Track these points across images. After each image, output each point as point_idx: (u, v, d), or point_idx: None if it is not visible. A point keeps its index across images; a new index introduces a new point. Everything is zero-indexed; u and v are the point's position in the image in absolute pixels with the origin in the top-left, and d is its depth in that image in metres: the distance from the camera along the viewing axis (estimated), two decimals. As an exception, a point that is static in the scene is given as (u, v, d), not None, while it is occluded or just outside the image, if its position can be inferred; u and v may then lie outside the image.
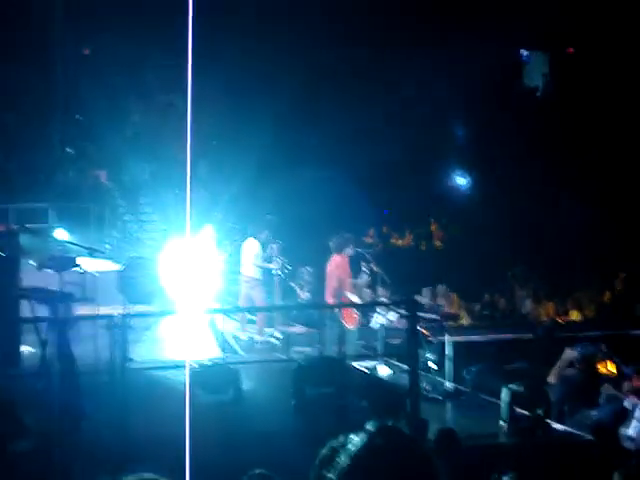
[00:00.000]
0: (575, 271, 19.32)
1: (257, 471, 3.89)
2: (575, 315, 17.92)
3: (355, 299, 12.75)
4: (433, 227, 22.71)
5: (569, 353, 12.94)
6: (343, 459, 2.05)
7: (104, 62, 20.08)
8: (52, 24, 17.27)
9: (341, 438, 2.18)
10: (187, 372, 8.68)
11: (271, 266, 14.35)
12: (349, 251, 12.60)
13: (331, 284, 12.34)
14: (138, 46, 20.12)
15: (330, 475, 2.05)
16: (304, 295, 16.80)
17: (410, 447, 2.07)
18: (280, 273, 14.55)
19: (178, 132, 19.44)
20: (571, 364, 12.84)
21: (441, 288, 18.65)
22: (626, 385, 11.58)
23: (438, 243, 22.14)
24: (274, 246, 14.70)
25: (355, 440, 2.07)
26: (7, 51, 18.12)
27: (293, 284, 15.89)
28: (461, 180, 22.81)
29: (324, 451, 2.95)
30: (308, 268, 16.77)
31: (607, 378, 12.86)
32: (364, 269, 13.24)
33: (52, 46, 17.20)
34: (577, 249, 20.01)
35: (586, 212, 20.55)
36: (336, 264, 12.44)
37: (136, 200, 19.54)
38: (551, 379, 12.47)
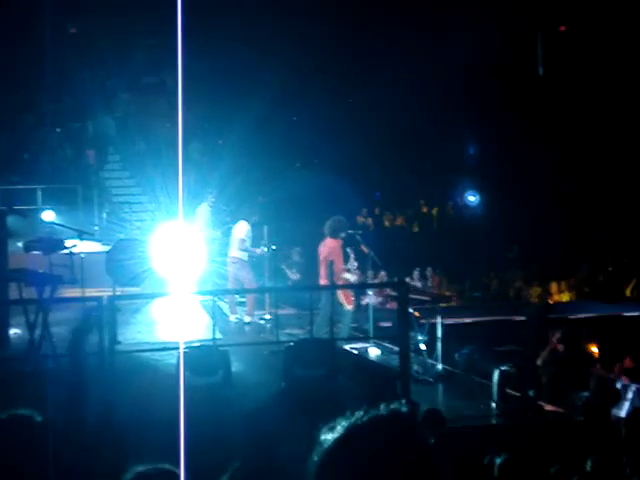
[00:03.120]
0: (566, 255, 19.31)
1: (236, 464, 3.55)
2: (565, 297, 17.93)
3: (350, 280, 12.67)
4: (424, 209, 22.66)
5: (557, 334, 12.96)
6: (326, 443, 1.97)
7: (91, 41, 19.89)
8: (39, 2, 17.07)
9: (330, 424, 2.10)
10: (181, 354, 8.56)
11: (255, 251, 14.07)
12: (343, 235, 12.47)
13: (324, 267, 12.21)
14: (126, 25, 19.93)
15: (314, 458, 1.97)
16: (294, 276, 16.68)
17: (400, 433, 1.97)
18: (263, 254, 14.26)
19: (168, 113, 19.40)
20: (559, 345, 12.85)
21: (431, 270, 18.61)
22: (617, 366, 11.57)
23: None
24: (264, 228, 14.53)
25: (339, 426, 1.98)
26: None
27: (283, 266, 15.76)
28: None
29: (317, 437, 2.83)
30: (298, 249, 16.63)
31: (598, 359, 12.87)
32: (351, 253, 13.11)
33: (39, 25, 17.01)
34: (569, 233, 20.02)
35: (578, 198, 20.57)
36: (329, 247, 12.31)
37: (124, 181, 19.38)
38: (541, 360, 12.46)
